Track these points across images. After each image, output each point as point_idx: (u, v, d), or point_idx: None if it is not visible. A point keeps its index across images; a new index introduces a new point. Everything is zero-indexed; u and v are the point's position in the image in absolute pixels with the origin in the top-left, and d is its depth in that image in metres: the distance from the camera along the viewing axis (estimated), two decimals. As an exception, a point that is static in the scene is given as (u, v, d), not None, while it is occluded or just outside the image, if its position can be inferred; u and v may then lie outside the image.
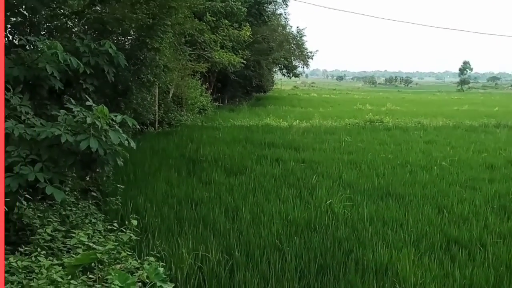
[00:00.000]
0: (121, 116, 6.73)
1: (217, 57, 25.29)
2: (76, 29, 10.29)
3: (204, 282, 6.61)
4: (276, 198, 10.50)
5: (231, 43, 27.57)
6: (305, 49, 56.56)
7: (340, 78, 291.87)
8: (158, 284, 5.91)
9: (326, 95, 78.24)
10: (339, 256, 7.37)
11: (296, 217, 9.09)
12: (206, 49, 24.65)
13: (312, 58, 57.62)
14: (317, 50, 61.41)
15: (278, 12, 47.58)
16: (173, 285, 6.09)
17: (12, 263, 4.89)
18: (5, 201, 4.53)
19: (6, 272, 4.70)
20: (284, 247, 7.62)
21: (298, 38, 54.92)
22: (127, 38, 11.91)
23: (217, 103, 36.38)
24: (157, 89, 18.52)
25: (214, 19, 24.65)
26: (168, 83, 19.59)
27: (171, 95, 22.73)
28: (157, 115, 20.56)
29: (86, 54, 7.94)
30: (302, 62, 58.82)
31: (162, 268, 6.12)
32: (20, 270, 4.88)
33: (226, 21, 26.46)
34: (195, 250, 7.28)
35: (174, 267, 6.77)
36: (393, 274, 6.79)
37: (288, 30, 54.26)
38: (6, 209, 4.52)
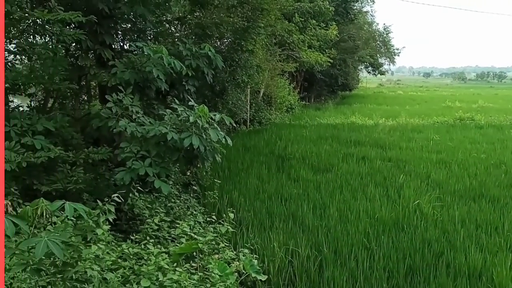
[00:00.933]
0: (220, 115, 6.94)
1: (304, 56, 25.21)
2: (177, 34, 10.75)
3: (294, 276, 6.65)
4: (363, 197, 10.27)
5: (318, 42, 27.31)
6: (392, 46, 54.83)
7: (427, 74, 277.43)
8: (253, 275, 6.02)
9: (413, 92, 74.81)
10: (429, 258, 7.05)
11: (383, 216, 8.83)
12: (294, 49, 24.67)
13: (398, 55, 55.74)
14: (403, 47, 59.32)
15: (364, 9, 46.56)
16: (266, 277, 6.18)
17: (124, 250, 5.21)
18: (119, 193, 4.80)
19: (119, 257, 5.02)
20: (372, 246, 7.43)
21: (385, 35, 53.38)
22: (224, 41, 12.23)
23: (303, 102, 36.28)
24: (248, 89, 18.83)
25: (302, 19, 24.57)
26: (260, 83, 19.85)
27: (261, 94, 23.04)
28: (248, 114, 20.95)
29: (188, 57, 8.27)
30: (388, 59, 57.13)
31: (256, 260, 6.24)
32: (131, 256, 5.19)
33: (314, 21, 26.25)
34: (285, 245, 7.35)
35: (266, 260, 6.86)
36: (488, 280, 6.40)
37: (374, 28, 52.93)
38: (122, 200, 4.80)
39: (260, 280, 6.07)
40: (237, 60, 11.38)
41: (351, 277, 6.52)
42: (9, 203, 4.32)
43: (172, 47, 8.51)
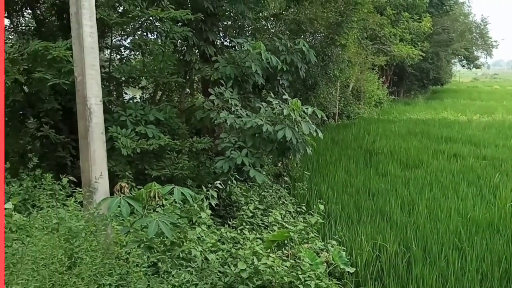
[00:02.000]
0: (312, 108, 6.99)
1: (396, 50, 24.31)
2: (273, 30, 10.96)
3: (382, 271, 6.58)
4: (454, 195, 9.85)
5: (411, 35, 26.17)
6: (489, 38, 50.98)
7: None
8: (342, 266, 6.06)
9: (511, 87, 69.13)
10: (528, 264, 6.61)
11: (476, 216, 8.43)
12: (385, 42, 23.87)
13: (496, 48, 51.71)
14: (502, 39, 54.84)
15: (460, 0, 43.60)
16: (354, 269, 6.17)
17: (223, 234, 5.49)
18: (221, 180, 5.05)
19: (218, 240, 5.30)
20: (464, 246, 7.13)
21: (482, 27, 49.74)
22: (317, 36, 12.25)
23: (392, 97, 35.09)
24: (338, 83, 18.65)
25: (395, 12, 23.66)
26: (350, 77, 19.58)
27: (350, 88, 22.69)
28: (337, 108, 20.76)
29: (283, 53, 8.40)
30: (485, 52, 53.18)
31: (344, 252, 6.25)
32: (229, 240, 5.46)
33: (407, 14, 25.19)
34: (373, 239, 7.31)
35: (354, 253, 6.86)
36: None
37: (471, 19, 49.56)
38: (223, 187, 5.06)
39: (348, 272, 6.09)
40: (329, 54, 11.39)
41: (441, 277, 6.35)
42: (126, 185, 4.70)
43: (269, 42, 8.71)
